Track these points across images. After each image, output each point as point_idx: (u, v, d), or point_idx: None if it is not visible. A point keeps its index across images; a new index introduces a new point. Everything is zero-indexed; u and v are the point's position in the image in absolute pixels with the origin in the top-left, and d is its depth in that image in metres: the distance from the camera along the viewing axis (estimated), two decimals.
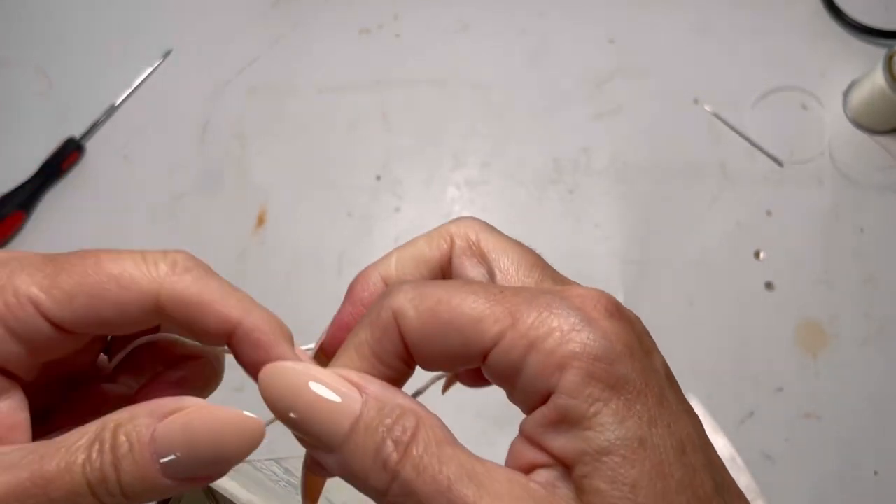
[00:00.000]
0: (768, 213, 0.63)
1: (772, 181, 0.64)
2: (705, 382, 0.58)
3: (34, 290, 0.20)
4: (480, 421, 0.57)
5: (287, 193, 0.68)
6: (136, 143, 0.71)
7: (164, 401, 0.20)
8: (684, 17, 0.69)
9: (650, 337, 0.21)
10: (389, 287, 0.21)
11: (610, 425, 0.18)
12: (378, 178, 0.67)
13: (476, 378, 0.22)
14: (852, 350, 0.58)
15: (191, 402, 0.20)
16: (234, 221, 0.66)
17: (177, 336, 0.22)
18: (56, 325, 0.20)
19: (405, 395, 0.20)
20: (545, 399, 0.18)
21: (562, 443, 0.18)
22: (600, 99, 0.67)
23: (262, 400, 0.20)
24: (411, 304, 0.20)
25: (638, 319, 0.21)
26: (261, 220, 0.67)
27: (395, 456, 0.18)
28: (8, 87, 0.74)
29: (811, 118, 0.65)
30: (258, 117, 0.70)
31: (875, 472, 0.55)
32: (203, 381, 0.24)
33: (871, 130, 0.64)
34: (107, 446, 0.19)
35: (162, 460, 0.19)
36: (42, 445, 0.19)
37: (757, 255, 0.62)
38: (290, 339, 0.22)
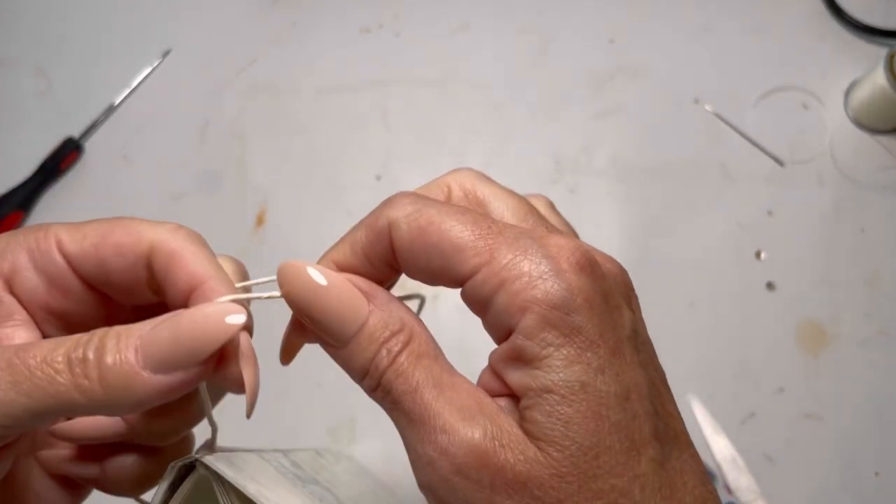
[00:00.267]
0: (769, 213, 0.63)
1: (772, 181, 0.63)
2: (706, 383, 0.58)
3: (61, 231, 0.23)
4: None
5: (287, 193, 0.67)
6: (136, 143, 0.71)
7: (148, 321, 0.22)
8: (684, 16, 0.69)
9: (626, 295, 0.23)
10: (392, 196, 0.23)
11: (557, 368, 0.20)
12: (378, 178, 0.67)
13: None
14: (853, 350, 0.58)
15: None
16: (234, 221, 0.66)
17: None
18: (70, 261, 0.23)
19: (405, 308, 0.23)
20: (508, 335, 0.21)
21: (516, 377, 0.21)
22: (600, 99, 0.67)
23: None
24: (405, 219, 0.22)
25: (619, 274, 0.23)
26: (261, 220, 0.66)
27: (385, 362, 0.21)
28: (7, 87, 0.74)
29: (812, 118, 0.65)
30: (258, 117, 0.70)
31: (876, 473, 0.55)
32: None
33: (872, 130, 0.64)
34: (90, 348, 0.20)
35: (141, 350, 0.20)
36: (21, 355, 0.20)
37: (758, 255, 0.62)
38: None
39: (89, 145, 0.70)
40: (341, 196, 0.67)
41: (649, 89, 0.67)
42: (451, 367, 0.22)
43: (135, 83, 0.72)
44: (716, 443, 0.56)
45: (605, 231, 0.63)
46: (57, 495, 0.26)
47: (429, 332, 0.23)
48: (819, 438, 0.56)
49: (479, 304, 0.21)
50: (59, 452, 0.26)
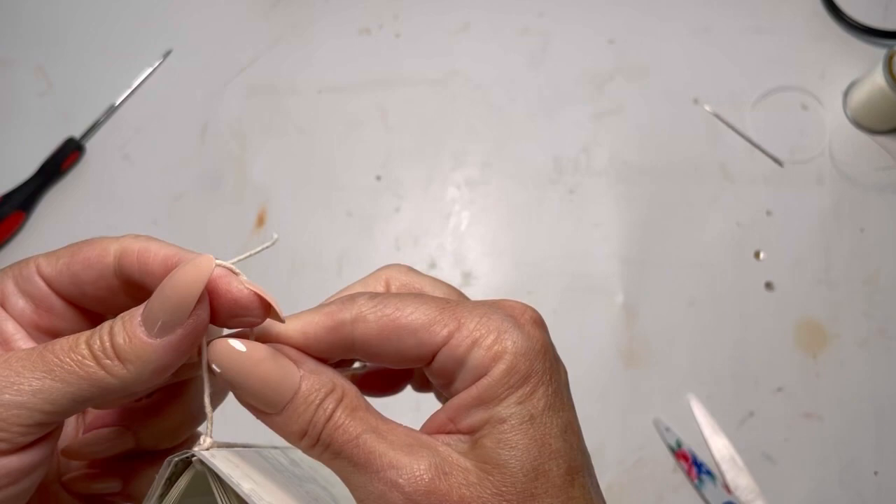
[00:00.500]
0: (768, 213, 0.63)
1: (772, 181, 0.64)
2: (705, 382, 0.58)
3: (40, 257, 0.25)
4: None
5: (287, 193, 0.68)
6: (136, 143, 0.71)
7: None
8: (684, 17, 0.69)
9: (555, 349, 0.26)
10: (350, 295, 0.25)
11: (512, 405, 0.23)
12: (378, 178, 0.67)
13: (386, 385, 0.28)
14: (852, 350, 0.58)
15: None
16: (234, 221, 0.67)
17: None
18: (48, 282, 0.25)
19: (332, 369, 0.25)
20: (470, 385, 0.23)
21: (476, 416, 0.23)
22: (600, 99, 0.67)
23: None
24: (371, 312, 0.24)
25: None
26: (261, 220, 0.67)
27: (322, 420, 0.23)
28: (8, 87, 0.74)
29: (811, 118, 0.65)
30: (258, 117, 0.70)
31: (875, 472, 0.55)
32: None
33: (872, 130, 0.64)
34: (104, 331, 0.23)
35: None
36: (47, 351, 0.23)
37: (757, 255, 0.62)
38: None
39: (90, 145, 0.70)
40: (341, 196, 0.67)
41: (649, 89, 0.67)
42: (381, 414, 0.24)
43: (135, 83, 0.72)
44: (715, 442, 0.56)
45: (604, 231, 0.63)
46: None
47: (356, 388, 0.25)
48: (818, 438, 0.56)
49: (451, 367, 0.24)
50: (81, 473, 0.28)
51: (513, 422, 0.22)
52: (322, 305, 0.25)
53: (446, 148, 0.68)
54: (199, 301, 0.23)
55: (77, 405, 0.22)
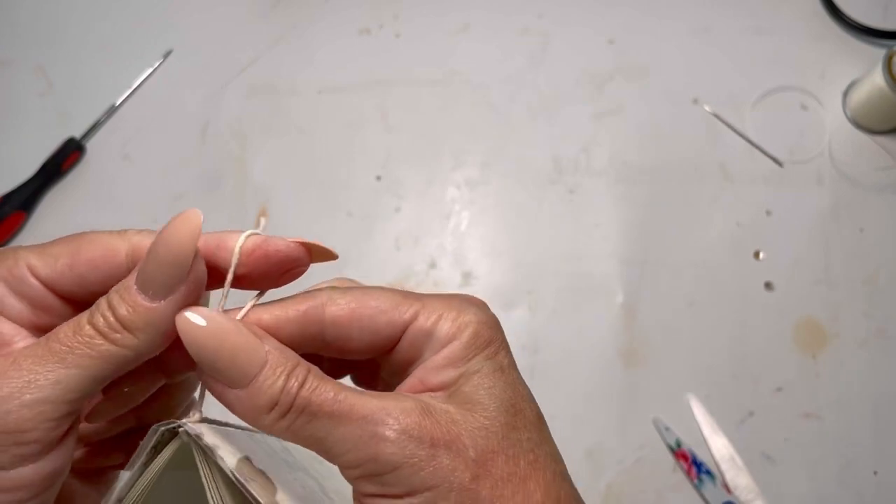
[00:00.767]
0: (768, 213, 0.63)
1: (772, 181, 0.64)
2: (704, 382, 0.58)
3: (30, 256, 0.25)
4: None
5: (287, 193, 0.68)
6: (137, 143, 0.71)
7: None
8: (684, 17, 0.69)
9: None
10: (314, 288, 0.26)
11: (479, 360, 0.25)
12: (378, 178, 0.67)
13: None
14: (852, 350, 0.58)
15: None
16: (234, 221, 0.67)
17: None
18: (45, 284, 0.25)
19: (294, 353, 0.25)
20: (438, 352, 0.25)
21: (448, 375, 0.25)
22: (600, 99, 0.68)
23: None
24: (340, 297, 0.25)
25: None
26: (261, 220, 0.67)
27: (295, 386, 0.23)
28: (8, 87, 0.74)
29: (811, 118, 0.65)
30: (258, 117, 0.70)
31: (875, 472, 0.55)
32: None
33: (871, 130, 0.64)
34: (102, 305, 0.23)
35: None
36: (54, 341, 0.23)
37: (757, 255, 0.62)
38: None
39: (91, 145, 0.71)
40: (341, 196, 0.67)
41: (649, 89, 0.67)
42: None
43: (136, 83, 0.72)
44: (715, 442, 0.57)
45: (604, 231, 0.63)
46: (83, 488, 0.28)
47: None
48: (817, 437, 0.57)
49: (420, 340, 0.26)
50: (84, 451, 0.28)
51: (485, 370, 0.25)
52: (287, 298, 0.26)
53: (446, 148, 0.68)
54: (195, 255, 0.23)
55: (97, 384, 0.23)
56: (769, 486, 0.55)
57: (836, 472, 0.56)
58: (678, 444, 0.56)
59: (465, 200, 0.66)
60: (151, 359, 0.24)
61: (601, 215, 0.64)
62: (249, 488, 0.23)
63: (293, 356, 0.24)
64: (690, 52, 0.68)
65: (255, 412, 0.23)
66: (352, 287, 0.26)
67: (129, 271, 0.24)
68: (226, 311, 0.25)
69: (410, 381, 0.25)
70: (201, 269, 0.23)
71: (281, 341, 0.25)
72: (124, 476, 0.25)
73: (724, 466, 0.56)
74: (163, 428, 0.24)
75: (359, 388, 0.24)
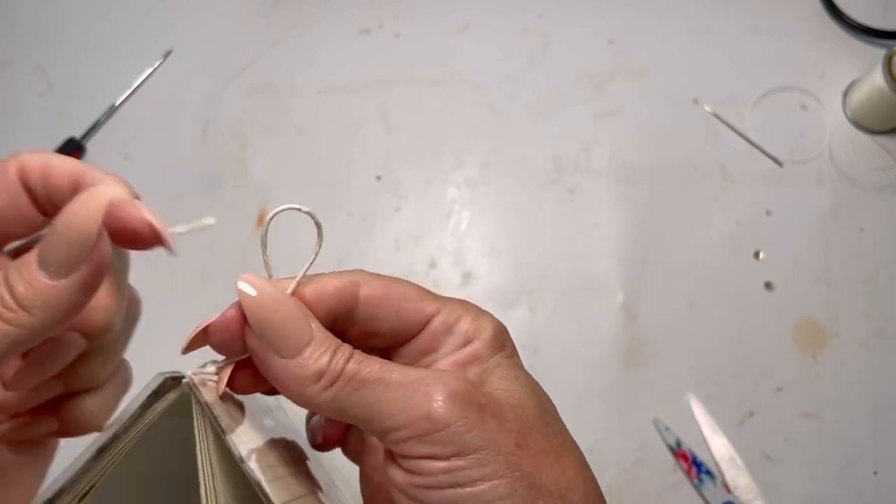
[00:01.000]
0: (768, 213, 0.63)
1: (772, 181, 0.64)
2: (704, 382, 0.58)
3: None
4: None
5: (287, 193, 0.68)
6: (137, 143, 0.71)
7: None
8: (684, 17, 0.69)
9: None
10: (348, 270, 0.28)
11: (500, 358, 0.27)
12: (378, 178, 0.67)
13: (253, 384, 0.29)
14: (852, 350, 0.58)
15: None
16: (234, 221, 0.67)
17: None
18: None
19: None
20: (461, 349, 0.27)
21: (471, 371, 0.27)
22: (600, 99, 0.68)
23: None
24: (372, 278, 0.27)
25: None
26: (261, 220, 0.67)
27: (342, 359, 0.24)
28: (8, 87, 0.74)
29: (811, 118, 0.65)
30: (258, 117, 0.70)
31: (875, 472, 0.55)
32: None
33: (871, 130, 0.64)
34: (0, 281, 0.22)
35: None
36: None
37: (757, 255, 0.62)
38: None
39: (91, 145, 0.71)
40: (341, 196, 0.67)
41: (649, 89, 0.67)
42: None
43: (136, 83, 0.72)
44: (715, 442, 0.57)
45: (604, 231, 0.63)
46: (19, 458, 0.27)
47: None
48: (818, 437, 0.57)
49: (442, 333, 0.27)
50: (14, 424, 0.27)
51: (505, 365, 0.27)
52: (326, 274, 0.27)
53: (446, 148, 0.68)
54: (100, 234, 0.22)
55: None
56: (769, 486, 0.55)
57: (836, 472, 0.56)
58: (678, 444, 0.56)
59: (465, 200, 0.66)
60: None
61: (601, 215, 0.64)
62: (234, 440, 0.24)
63: (336, 339, 0.25)
64: (690, 52, 0.68)
65: (301, 381, 0.24)
66: (380, 275, 0.28)
67: (22, 189, 0.25)
68: (276, 282, 0.26)
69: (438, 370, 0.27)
70: (105, 249, 0.22)
71: (319, 314, 0.26)
72: (123, 415, 0.25)
73: (724, 466, 0.56)
74: (167, 375, 0.25)
75: (403, 365, 0.25)
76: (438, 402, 0.23)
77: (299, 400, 0.25)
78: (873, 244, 0.61)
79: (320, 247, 0.27)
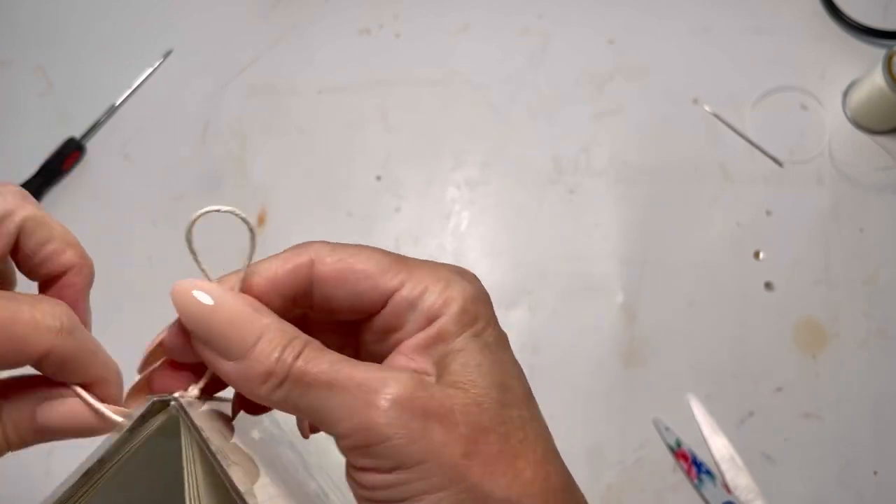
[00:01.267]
0: (768, 213, 0.63)
1: (772, 181, 0.64)
2: (704, 382, 0.58)
3: None
4: None
5: (287, 193, 0.68)
6: (137, 143, 0.71)
7: None
8: (684, 17, 0.69)
9: None
10: (303, 243, 0.26)
11: (466, 338, 0.25)
12: (378, 178, 0.67)
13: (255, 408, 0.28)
14: (852, 350, 0.58)
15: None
16: (234, 221, 0.66)
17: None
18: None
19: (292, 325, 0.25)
20: (426, 326, 0.25)
21: (435, 352, 0.25)
22: (600, 99, 0.68)
23: None
24: (328, 255, 0.25)
25: None
26: (261, 220, 0.67)
27: (291, 357, 0.23)
28: (8, 87, 0.74)
29: (811, 118, 0.65)
30: (258, 117, 0.70)
31: (875, 472, 0.55)
32: None
33: (871, 130, 0.64)
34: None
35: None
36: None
37: (756, 255, 0.62)
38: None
39: (91, 145, 0.71)
40: (341, 196, 0.67)
41: (649, 89, 0.67)
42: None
43: (136, 83, 0.72)
44: (715, 442, 0.57)
45: (604, 231, 0.63)
46: None
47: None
48: (818, 437, 0.57)
49: (404, 310, 0.25)
50: None
51: (472, 348, 0.24)
52: (277, 255, 0.26)
53: (446, 148, 0.68)
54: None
55: None
56: (769, 486, 0.55)
57: (836, 472, 0.56)
58: (678, 444, 0.56)
59: (465, 200, 0.66)
60: None
61: (601, 215, 0.64)
62: (230, 472, 0.23)
63: (291, 329, 0.24)
64: (690, 52, 0.68)
65: (249, 383, 0.23)
66: (342, 245, 0.26)
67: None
68: (221, 279, 0.25)
69: (397, 358, 0.25)
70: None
71: (273, 302, 0.25)
72: (110, 438, 0.25)
73: (724, 466, 0.56)
74: (155, 398, 0.25)
75: (355, 360, 0.24)
76: (379, 413, 0.22)
77: (255, 400, 0.24)
78: (873, 244, 0.61)
79: (254, 242, 0.26)
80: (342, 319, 0.26)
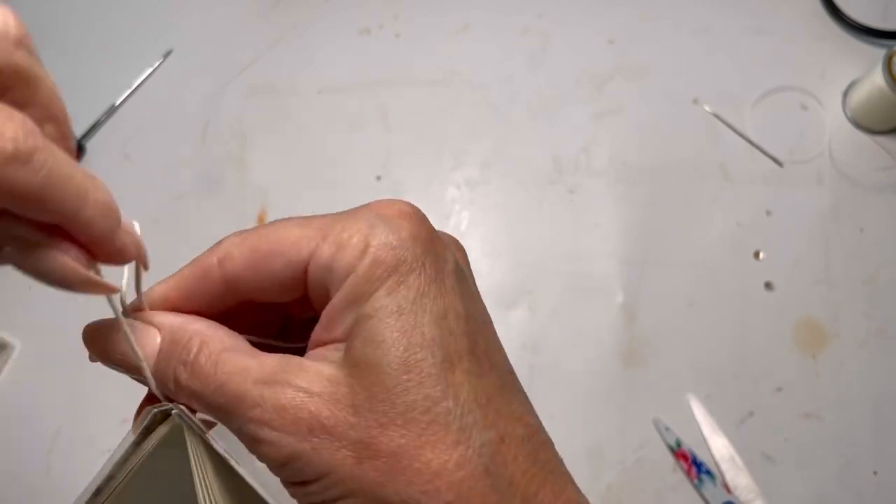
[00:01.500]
0: (768, 213, 0.63)
1: (772, 181, 0.64)
2: (704, 382, 0.58)
3: None
4: None
5: (287, 193, 0.68)
6: (137, 143, 0.71)
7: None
8: (684, 17, 0.69)
9: (450, 242, 0.25)
10: (218, 242, 0.24)
11: (379, 297, 0.21)
12: (378, 178, 0.67)
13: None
14: (852, 350, 0.58)
15: None
16: (234, 221, 0.67)
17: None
18: None
19: (199, 319, 0.24)
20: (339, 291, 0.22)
21: (347, 320, 0.22)
22: (600, 99, 0.68)
23: None
24: (235, 247, 0.23)
25: (452, 238, 0.25)
26: (261, 220, 0.67)
27: (184, 375, 0.22)
28: None
29: (811, 118, 0.65)
30: (258, 117, 0.70)
31: (875, 472, 0.55)
32: None
33: (871, 130, 0.64)
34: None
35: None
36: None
37: (757, 255, 0.62)
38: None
39: (91, 145, 0.70)
40: (341, 196, 0.67)
41: (649, 89, 0.67)
42: (255, 349, 0.23)
43: (136, 84, 0.72)
44: (715, 442, 0.56)
45: (604, 231, 0.63)
46: None
47: (224, 328, 0.24)
48: (818, 437, 0.57)
49: (322, 278, 0.22)
50: None
51: (380, 315, 0.21)
52: (185, 266, 0.25)
53: (446, 148, 0.68)
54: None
55: None
56: (769, 486, 0.55)
57: (836, 472, 0.56)
58: (678, 444, 0.56)
59: (465, 200, 0.66)
60: None
61: (601, 215, 0.64)
62: (240, 470, 0.23)
63: (184, 333, 0.23)
64: (690, 52, 0.68)
65: (174, 397, 0.23)
66: (253, 230, 0.24)
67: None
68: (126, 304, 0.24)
69: (316, 332, 0.23)
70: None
71: (198, 309, 0.24)
72: (116, 453, 0.25)
73: (724, 466, 0.56)
74: (156, 409, 0.24)
75: (254, 362, 0.22)
76: (267, 447, 0.21)
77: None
78: (873, 244, 0.61)
79: (142, 257, 0.24)
80: (281, 302, 0.25)
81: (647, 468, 0.57)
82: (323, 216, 0.23)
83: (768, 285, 0.61)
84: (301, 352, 0.24)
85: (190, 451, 0.24)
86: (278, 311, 0.26)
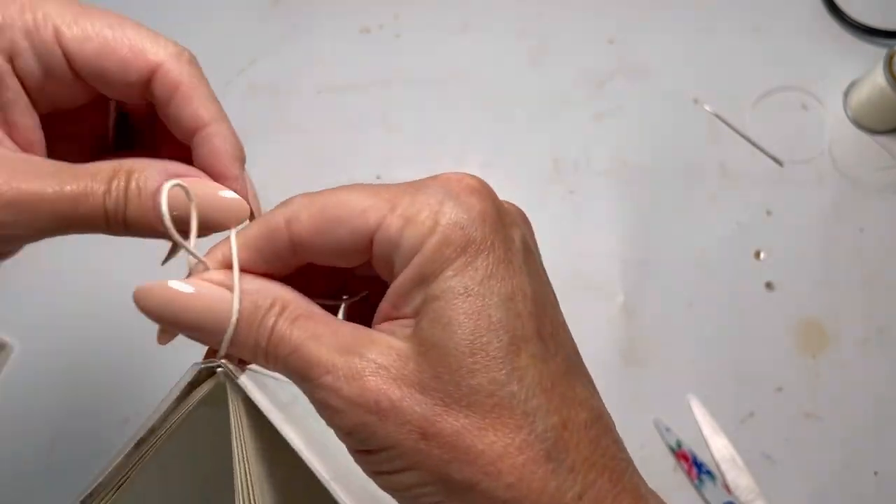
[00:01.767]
0: (768, 213, 0.63)
1: (772, 181, 0.64)
2: (705, 382, 0.58)
3: (59, 22, 0.24)
4: None
5: (287, 193, 0.67)
6: None
7: (174, 164, 0.25)
8: (684, 17, 0.69)
9: (517, 217, 0.25)
10: (285, 200, 0.25)
11: (447, 277, 0.21)
12: (378, 178, 0.67)
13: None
14: (852, 350, 0.58)
15: (196, 173, 0.26)
16: None
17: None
18: (67, 57, 0.24)
19: (274, 282, 0.24)
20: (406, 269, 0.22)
21: (416, 298, 0.22)
22: (600, 99, 0.67)
23: None
24: (304, 209, 0.24)
25: (517, 209, 0.25)
26: None
27: (265, 337, 0.23)
28: None
29: (811, 118, 0.65)
30: (258, 117, 0.70)
31: (875, 473, 0.55)
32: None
33: (872, 130, 0.64)
34: (121, 184, 0.23)
35: (163, 211, 0.23)
36: (69, 167, 0.24)
37: (757, 255, 0.62)
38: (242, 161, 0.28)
39: None
40: None
41: (649, 90, 0.67)
42: (330, 316, 0.24)
43: None
44: (715, 442, 0.56)
45: (604, 231, 0.63)
46: None
47: (300, 295, 0.24)
48: (818, 438, 0.56)
49: (388, 250, 0.23)
50: None
51: (447, 297, 0.21)
52: (252, 223, 0.25)
53: (446, 148, 0.68)
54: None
55: (57, 231, 0.24)
56: (769, 486, 0.55)
57: (837, 472, 0.56)
58: (678, 445, 0.56)
59: None
60: None
61: (601, 215, 0.64)
62: (282, 431, 0.24)
63: (266, 296, 0.23)
64: (691, 52, 0.68)
65: (249, 358, 0.24)
66: (322, 193, 0.25)
67: (146, 83, 0.25)
68: (209, 253, 0.25)
69: (384, 307, 0.23)
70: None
71: (261, 271, 0.24)
72: (160, 407, 0.25)
73: (724, 467, 0.56)
74: (202, 366, 0.25)
75: (328, 330, 0.23)
76: (336, 415, 0.22)
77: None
78: (873, 244, 0.61)
79: (195, 212, 0.25)
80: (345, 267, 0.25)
81: (647, 469, 0.57)
82: (390, 185, 0.23)
83: (768, 285, 0.61)
84: (351, 307, 0.26)
85: (231, 409, 0.24)
86: (340, 273, 0.27)
